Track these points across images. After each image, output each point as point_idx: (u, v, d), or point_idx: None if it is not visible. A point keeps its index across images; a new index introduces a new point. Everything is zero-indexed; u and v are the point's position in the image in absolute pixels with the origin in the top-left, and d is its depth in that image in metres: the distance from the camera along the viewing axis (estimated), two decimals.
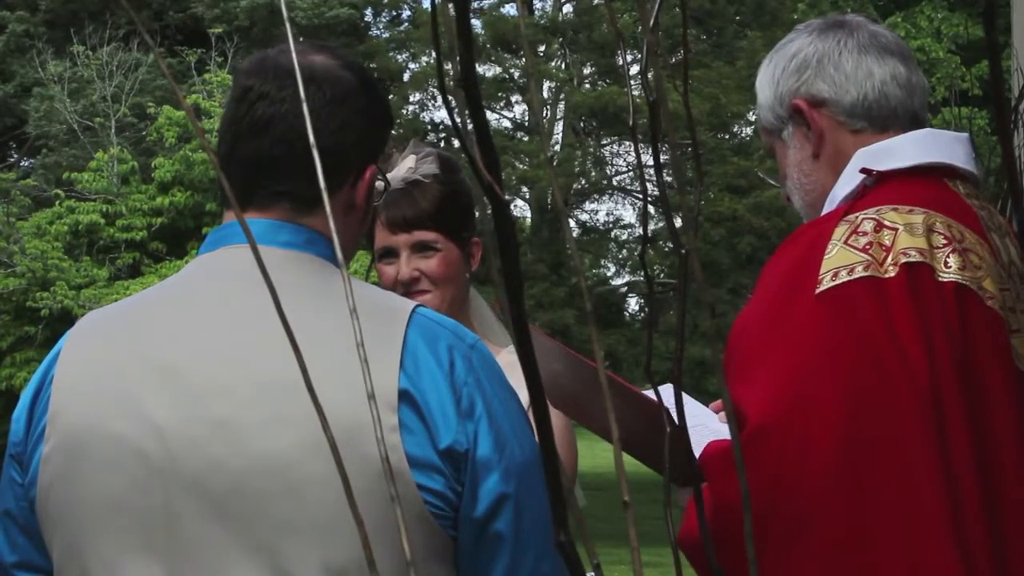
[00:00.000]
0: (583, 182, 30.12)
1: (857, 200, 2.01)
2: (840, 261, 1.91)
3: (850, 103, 2.09)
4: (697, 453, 1.96)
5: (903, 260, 1.89)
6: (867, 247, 1.91)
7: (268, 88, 1.66)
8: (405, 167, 2.59)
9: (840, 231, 1.94)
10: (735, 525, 1.82)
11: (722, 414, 2.13)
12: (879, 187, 2.02)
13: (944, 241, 1.93)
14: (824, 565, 1.83)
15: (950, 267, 1.91)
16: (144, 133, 21.67)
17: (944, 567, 1.79)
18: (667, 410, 1.08)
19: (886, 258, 1.89)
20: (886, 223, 1.93)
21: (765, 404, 1.87)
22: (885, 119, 2.08)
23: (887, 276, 1.88)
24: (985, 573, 1.81)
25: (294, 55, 0.81)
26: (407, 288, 2.59)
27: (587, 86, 30.37)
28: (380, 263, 2.64)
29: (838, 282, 1.89)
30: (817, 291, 1.90)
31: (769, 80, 2.16)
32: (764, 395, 1.88)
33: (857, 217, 1.95)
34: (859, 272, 1.89)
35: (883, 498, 1.81)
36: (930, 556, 1.80)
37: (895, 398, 1.83)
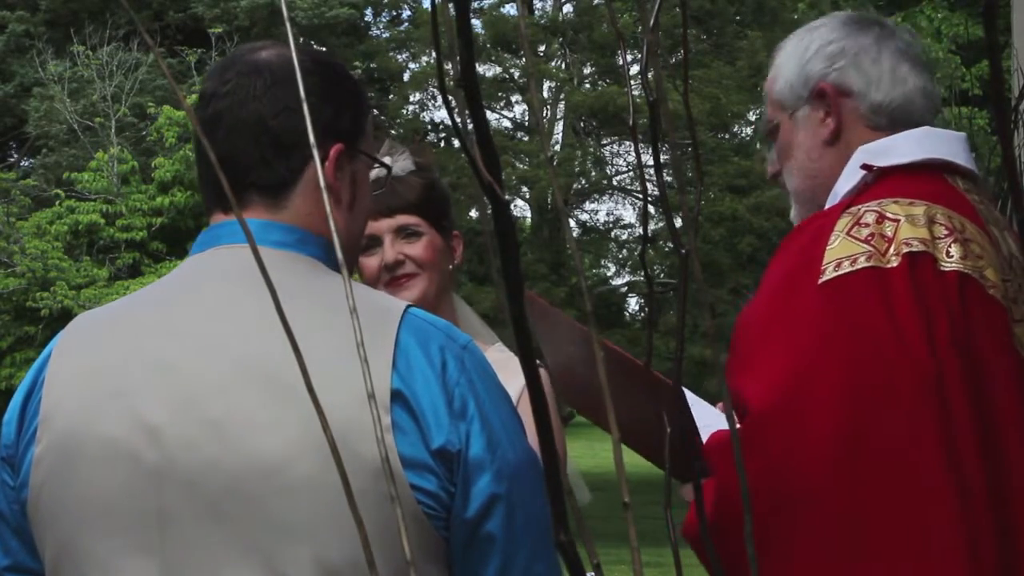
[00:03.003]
0: (583, 182, 30.12)
1: (859, 195, 2.03)
2: (843, 252, 1.92)
3: (878, 101, 2.11)
4: None
5: (905, 250, 1.91)
6: (869, 238, 1.92)
7: (215, 86, 1.68)
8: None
9: (843, 223, 1.96)
10: (736, 514, 1.83)
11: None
12: (880, 182, 2.04)
13: (945, 231, 1.95)
14: (825, 550, 1.84)
15: (952, 256, 1.93)
16: (144, 133, 21.68)
17: (951, 551, 1.80)
18: (669, 407, 1.08)
19: (888, 248, 1.91)
20: (888, 215, 1.95)
21: (765, 391, 1.88)
22: (904, 124, 2.11)
23: (889, 266, 1.90)
24: (991, 556, 1.82)
25: (295, 55, 0.81)
26: (392, 272, 2.55)
27: (587, 86, 30.37)
28: (362, 256, 2.56)
29: (840, 272, 1.91)
30: (820, 281, 1.92)
31: (798, 56, 2.16)
32: (764, 382, 1.89)
33: (859, 209, 1.97)
34: (862, 262, 1.90)
35: (884, 482, 1.82)
36: (936, 540, 1.80)
37: (896, 384, 1.84)
